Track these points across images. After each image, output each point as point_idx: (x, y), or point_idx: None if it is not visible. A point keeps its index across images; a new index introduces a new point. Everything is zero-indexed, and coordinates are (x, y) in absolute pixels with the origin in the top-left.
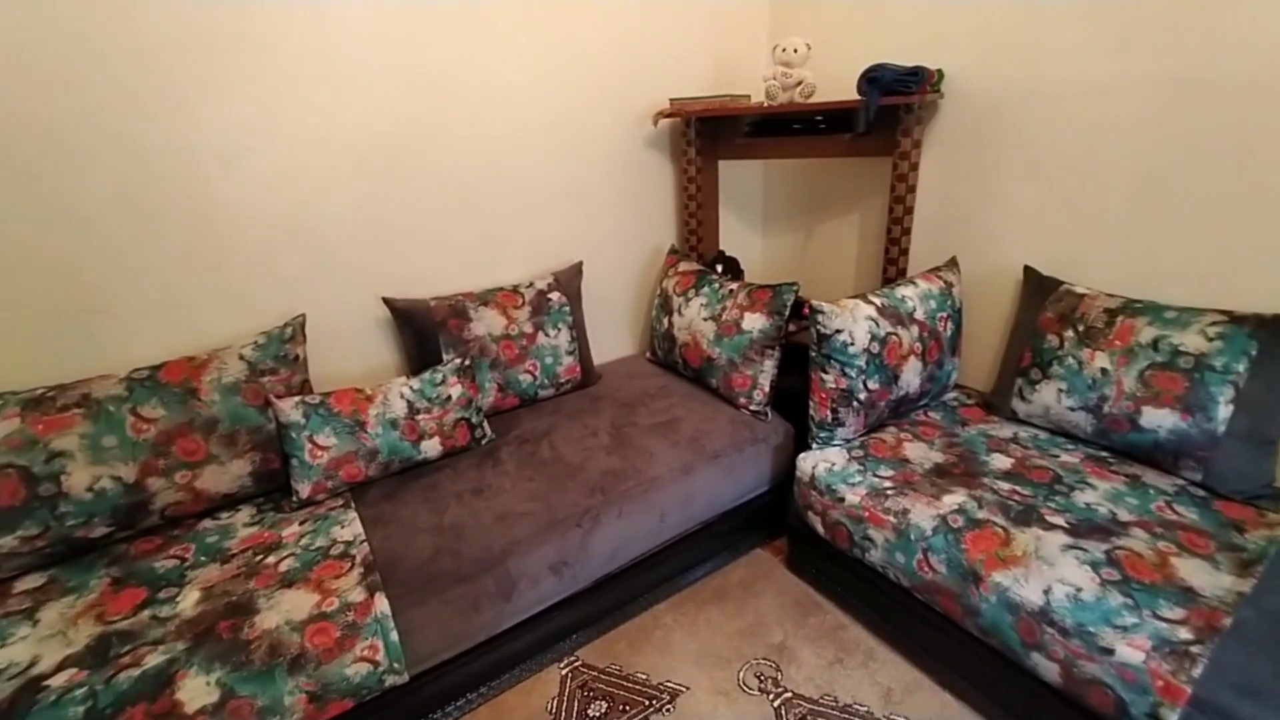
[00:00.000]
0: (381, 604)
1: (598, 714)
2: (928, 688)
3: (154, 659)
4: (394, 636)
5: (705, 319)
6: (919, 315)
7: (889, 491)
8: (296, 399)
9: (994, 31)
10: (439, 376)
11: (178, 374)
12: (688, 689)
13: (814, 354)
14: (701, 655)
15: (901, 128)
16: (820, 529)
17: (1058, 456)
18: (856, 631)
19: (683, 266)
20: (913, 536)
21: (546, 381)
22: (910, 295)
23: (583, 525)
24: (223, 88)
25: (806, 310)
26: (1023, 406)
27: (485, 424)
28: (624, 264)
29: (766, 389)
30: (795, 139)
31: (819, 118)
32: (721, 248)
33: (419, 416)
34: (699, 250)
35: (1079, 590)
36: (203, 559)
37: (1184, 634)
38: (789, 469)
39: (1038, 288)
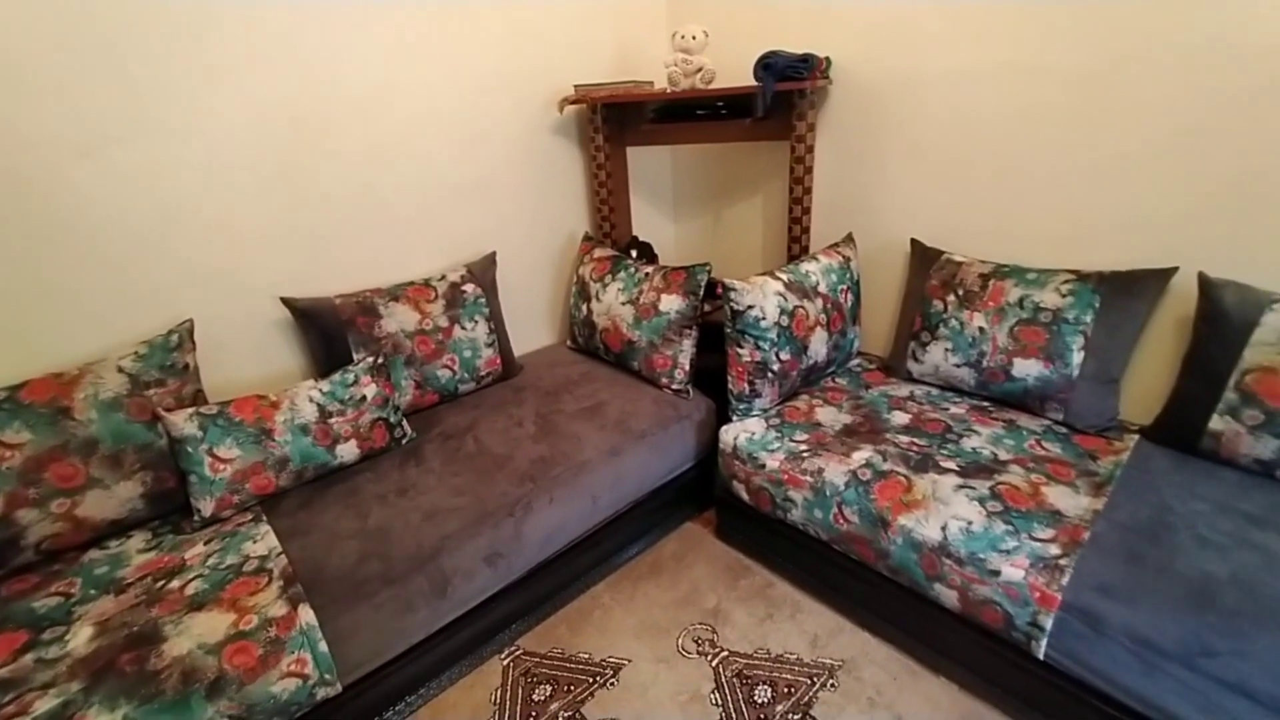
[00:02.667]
0: (306, 615)
1: (543, 698)
2: (849, 630)
3: (46, 704)
4: (323, 647)
5: (623, 303)
6: (822, 289)
7: (805, 454)
8: (190, 411)
9: (873, 21)
10: (350, 377)
11: (43, 393)
12: (630, 661)
13: (729, 330)
14: (641, 628)
15: (796, 112)
16: (745, 496)
17: (948, 409)
18: (784, 588)
19: (598, 253)
20: (828, 493)
21: (467, 375)
22: (813, 270)
23: (514, 514)
24: (73, 72)
25: (720, 290)
26: (916, 367)
27: (405, 423)
28: (538, 253)
29: (687, 367)
30: (699, 124)
31: (720, 103)
32: (635, 233)
33: (332, 420)
34: (613, 236)
35: (970, 523)
36: (92, 592)
37: (1054, 550)
38: (713, 442)
39: (923, 258)
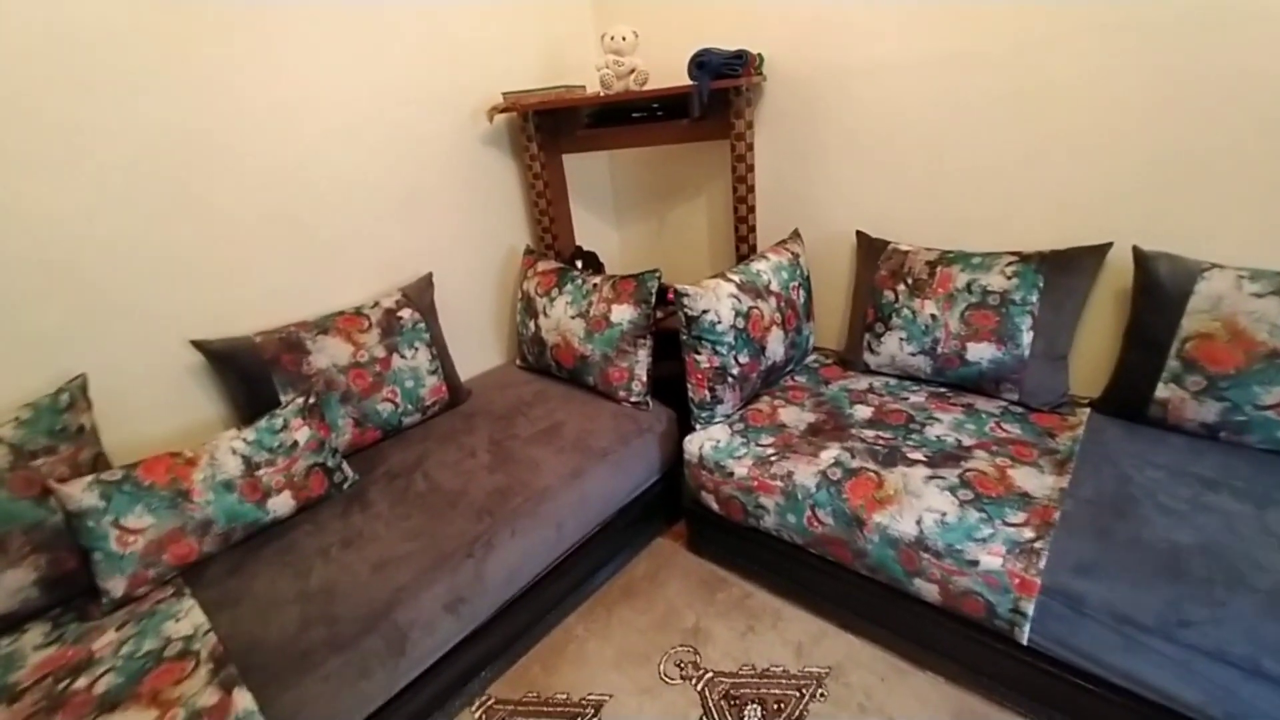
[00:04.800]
0: (243, 700)
1: None
2: (833, 634)
3: None
4: None
5: (573, 317)
6: (774, 287)
7: (773, 458)
8: (89, 479)
9: (801, 15)
10: (279, 421)
11: None
12: (611, 696)
13: (685, 336)
14: (620, 658)
15: (734, 110)
16: (715, 506)
17: (907, 398)
18: (762, 597)
19: (541, 266)
20: (799, 496)
21: (410, 407)
22: (764, 269)
23: (474, 554)
24: None
25: (671, 296)
26: (873, 359)
27: (344, 465)
28: (478, 270)
29: (644, 378)
30: (636, 127)
31: (656, 105)
32: (579, 243)
33: (260, 471)
34: (555, 248)
35: (944, 515)
36: None
37: (1027, 534)
38: (677, 454)
39: (870, 249)
